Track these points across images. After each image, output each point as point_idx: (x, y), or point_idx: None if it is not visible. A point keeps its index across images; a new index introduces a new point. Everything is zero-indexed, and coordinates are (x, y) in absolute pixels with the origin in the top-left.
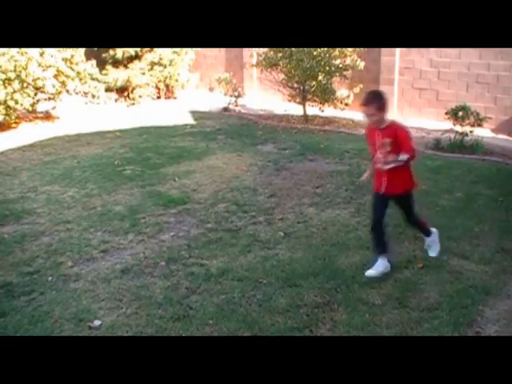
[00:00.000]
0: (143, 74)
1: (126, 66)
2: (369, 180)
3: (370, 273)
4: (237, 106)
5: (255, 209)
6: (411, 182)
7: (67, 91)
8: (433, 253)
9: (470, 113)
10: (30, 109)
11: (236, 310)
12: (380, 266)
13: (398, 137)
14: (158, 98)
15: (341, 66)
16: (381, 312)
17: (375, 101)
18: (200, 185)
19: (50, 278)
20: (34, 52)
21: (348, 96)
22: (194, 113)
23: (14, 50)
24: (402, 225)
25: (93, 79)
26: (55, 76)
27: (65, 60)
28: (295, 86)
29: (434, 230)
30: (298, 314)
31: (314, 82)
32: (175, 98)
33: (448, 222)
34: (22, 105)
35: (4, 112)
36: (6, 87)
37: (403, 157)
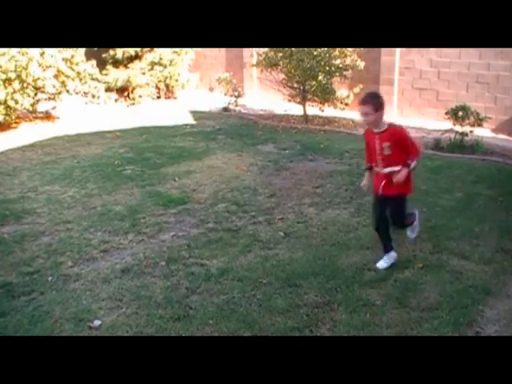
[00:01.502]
0: (143, 74)
1: (126, 66)
2: (369, 186)
3: (380, 264)
4: (237, 105)
5: (255, 209)
6: (407, 186)
7: (67, 91)
8: (412, 234)
9: (470, 113)
10: (30, 109)
11: (236, 309)
12: (389, 259)
13: (399, 140)
14: (158, 97)
15: (341, 65)
16: (381, 312)
17: (372, 100)
18: (200, 185)
19: (50, 278)
20: (34, 52)
21: (348, 96)
22: (194, 113)
23: (14, 50)
24: None
25: (93, 79)
26: (55, 76)
27: (65, 60)
28: (295, 85)
29: (415, 212)
30: (298, 314)
31: (314, 82)
32: (175, 97)
33: (448, 221)
34: (22, 105)
35: (4, 112)
36: (6, 87)
37: (413, 163)
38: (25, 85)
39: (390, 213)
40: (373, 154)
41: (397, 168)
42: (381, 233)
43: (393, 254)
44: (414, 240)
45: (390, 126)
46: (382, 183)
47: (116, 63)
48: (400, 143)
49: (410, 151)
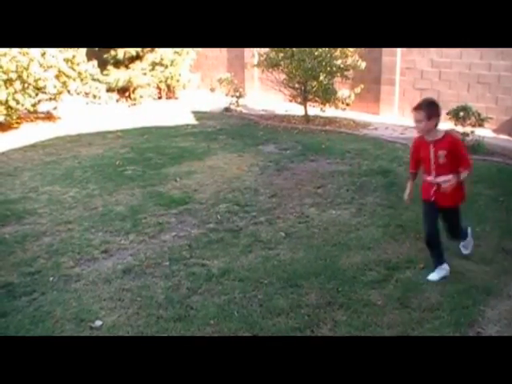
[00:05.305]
0: (144, 74)
1: (127, 67)
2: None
3: (432, 276)
4: (238, 106)
5: (256, 209)
6: (461, 195)
7: (68, 91)
8: (467, 250)
9: (471, 113)
10: (32, 109)
11: (237, 310)
12: (441, 272)
13: (455, 150)
14: (159, 98)
15: (342, 66)
16: (382, 312)
17: (426, 108)
18: (201, 185)
19: (51, 279)
20: (35, 52)
21: (349, 96)
22: (195, 113)
23: (15, 51)
24: (403, 225)
25: (94, 80)
26: (56, 76)
27: (66, 60)
28: (296, 86)
29: (468, 230)
30: (299, 315)
31: (315, 82)
32: (176, 98)
33: None
34: (23, 105)
35: (5, 112)
36: (7, 87)
37: (464, 174)
38: (26, 85)
39: (447, 225)
40: (426, 162)
41: (448, 178)
42: (433, 245)
43: (445, 267)
44: (470, 253)
45: (447, 134)
46: (433, 191)
47: (117, 63)
48: (455, 153)
49: (462, 162)
